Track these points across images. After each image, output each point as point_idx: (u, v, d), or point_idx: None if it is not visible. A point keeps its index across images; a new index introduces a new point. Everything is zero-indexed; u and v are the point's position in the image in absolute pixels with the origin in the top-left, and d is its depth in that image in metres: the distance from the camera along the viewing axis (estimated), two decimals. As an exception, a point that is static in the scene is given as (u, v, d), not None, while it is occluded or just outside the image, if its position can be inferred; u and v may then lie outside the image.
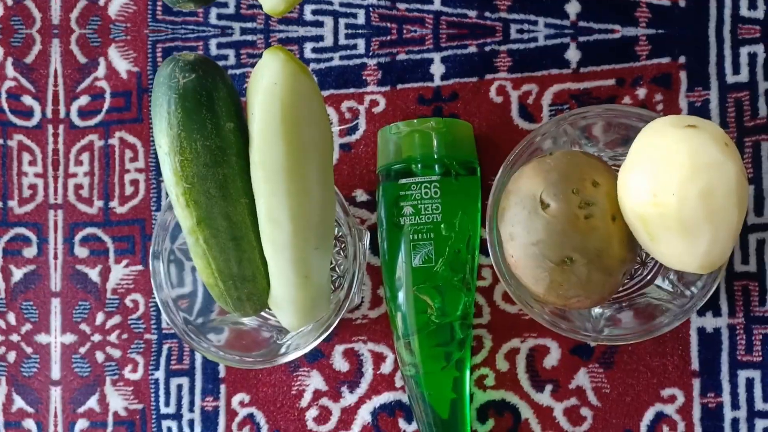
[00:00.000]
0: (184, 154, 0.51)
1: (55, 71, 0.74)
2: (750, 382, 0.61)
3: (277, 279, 0.56)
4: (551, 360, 0.64)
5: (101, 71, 0.73)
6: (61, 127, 0.73)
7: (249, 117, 0.52)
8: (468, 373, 0.64)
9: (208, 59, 0.53)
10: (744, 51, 0.63)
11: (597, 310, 0.61)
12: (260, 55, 0.69)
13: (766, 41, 0.63)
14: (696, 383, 0.62)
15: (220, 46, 0.71)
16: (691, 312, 0.57)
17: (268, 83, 0.50)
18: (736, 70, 0.63)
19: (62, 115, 0.73)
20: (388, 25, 0.68)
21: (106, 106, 0.73)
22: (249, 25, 0.71)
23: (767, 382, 0.61)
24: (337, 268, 0.66)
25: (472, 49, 0.67)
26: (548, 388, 0.64)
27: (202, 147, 0.51)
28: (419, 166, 0.62)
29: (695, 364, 0.62)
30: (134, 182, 0.72)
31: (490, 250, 0.58)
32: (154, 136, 0.54)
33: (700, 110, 0.63)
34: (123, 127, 0.72)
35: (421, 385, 0.62)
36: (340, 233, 0.65)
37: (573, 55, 0.66)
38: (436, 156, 0.62)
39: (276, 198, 0.52)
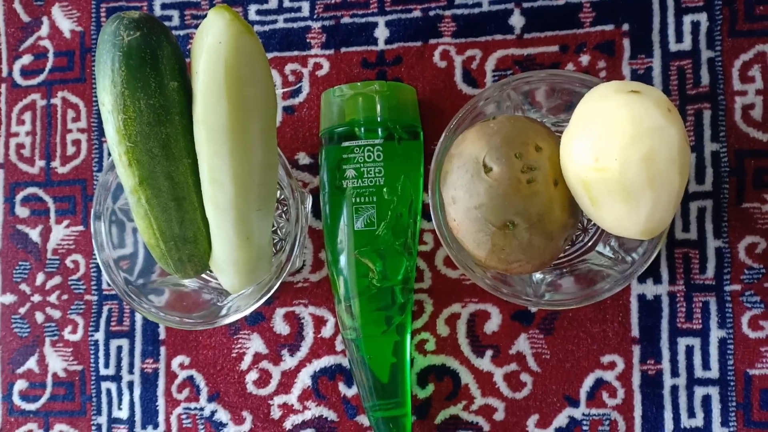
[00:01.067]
0: (128, 113, 0.42)
1: (-2, 30, 0.61)
2: (690, 350, 0.50)
3: (219, 240, 0.46)
4: (492, 325, 0.53)
5: (44, 30, 0.59)
6: (2, 86, 0.59)
7: (193, 75, 0.42)
8: (408, 337, 0.52)
9: (153, 17, 0.42)
10: (687, 19, 0.51)
11: (538, 276, 0.50)
12: (205, 16, 0.57)
13: (710, 10, 0.51)
14: (636, 350, 0.51)
15: (164, 6, 0.57)
16: (631, 278, 0.46)
17: (212, 42, 0.40)
18: (680, 38, 0.52)
19: (4, 74, 0.59)
20: (335, -10, 0.57)
21: (49, 65, 0.59)
22: (194, -14, 0.58)
23: (707, 350, 0.50)
24: (278, 231, 0.54)
25: (417, 13, 0.54)
26: (488, 353, 0.52)
27: (145, 105, 0.42)
28: (362, 129, 0.51)
29: (635, 331, 0.51)
30: (76, 142, 0.58)
31: (432, 214, 0.47)
32: (97, 94, 0.43)
33: (642, 78, 0.51)
34: (66, 87, 0.58)
35: (362, 348, 0.51)
36: (283, 196, 0.54)
37: (517, 21, 0.53)
38: (379, 119, 0.51)
39: (218, 158, 0.43)
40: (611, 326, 0.51)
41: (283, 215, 0.54)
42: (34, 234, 0.58)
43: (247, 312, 0.50)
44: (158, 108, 0.42)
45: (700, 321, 0.50)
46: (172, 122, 0.43)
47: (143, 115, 0.42)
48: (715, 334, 0.50)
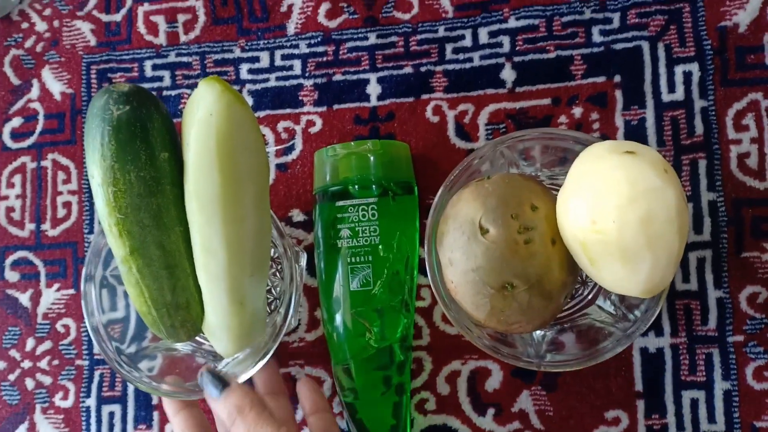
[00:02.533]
0: (118, 185, 0.42)
1: (-12, 93, 0.60)
2: (695, 403, 0.49)
3: (212, 306, 0.45)
4: (493, 382, 0.51)
5: (35, 93, 0.58)
6: (-8, 149, 0.60)
7: (184, 146, 0.42)
8: (408, 397, 0.51)
9: (142, 89, 0.42)
10: (679, 70, 0.52)
11: (539, 333, 0.49)
12: (196, 76, 0.57)
13: (701, 60, 0.51)
14: (640, 405, 0.50)
15: (155, 67, 0.57)
16: (634, 337, 0.45)
17: (203, 114, 0.40)
18: (672, 89, 0.52)
19: (-6, 137, 0.60)
20: (325, 47, 0.57)
21: (39, 127, 0.58)
22: (184, 47, 0.58)
23: (712, 403, 0.49)
24: (273, 290, 0.53)
25: (408, 69, 0.54)
26: (491, 411, 0.51)
27: (135, 178, 0.42)
28: (356, 187, 0.50)
29: (639, 385, 0.50)
30: (67, 204, 0.57)
31: (428, 273, 0.46)
32: (87, 166, 0.42)
33: (636, 129, 0.51)
34: (56, 149, 0.58)
35: (360, 411, 0.50)
36: (276, 254, 0.54)
37: (508, 74, 0.53)
38: (373, 178, 0.50)
39: (210, 227, 0.42)
40: (614, 381, 0.50)
41: (278, 274, 0.53)
42: (24, 298, 0.57)
43: (245, 378, 0.48)
44: (149, 180, 0.42)
45: (704, 373, 0.49)
46: (163, 192, 0.42)
47: (133, 187, 0.41)
48: (720, 386, 0.49)
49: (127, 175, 0.41)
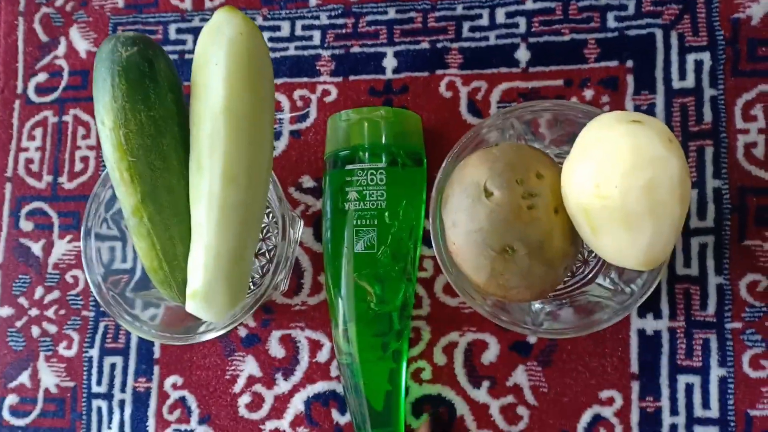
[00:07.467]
0: (129, 126, 0.43)
1: (17, 47, 0.62)
2: (689, 388, 0.48)
3: (216, 253, 0.44)
4: (489, 356, 0.51)
5: (61, 50, 0.59)
6: (17, 103, 0.59)
7: (206, 71, 0.43)
8: (404, 365, 0.50)
9: (145, 36, 0.44)
10: (690, 58, 0.52)
11: (537, 305, 0.49)
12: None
13: (713, 49, 0.51)
14: (635, 386, 0.49)
15: (179, 31, 0.58)
16: (630, 309, 0.44)
17: (233, 33, 0.42)
18: (683, 76, 0.52)
19: (19, 90, 0.59)
20: (345, 20, 0.58)
21: (63, 83, 0.59)
22: (208, 13, 0.59)
23: (707, 389, 0.48)
24: (267, 254, 0.54)
25: (425, 45, 0.55)
26: (485, 384, 0.51)
27: (146, 117, 0.43)
28: (366, 153, 0.50)
29: (634, 367, 0.49)
30: (84, 159, 0.58)
31: (432, 239, 0.46)
32: (96, 114, 0.43)
33: (645, 113, 0.50)
34: (78, 105, 0.58)
35: (357, 374, 0.49)
36: (274, 218, 0.54)
37: (523, 55, 0.54)
38: (383, 144, 0.50)
39: (238, 151, 0.43)
40: (610, 361, 0.50)
41: (273, 237, 0.53)
42: (37, 248, 0.58)
43: (223, 331, 0.47)
44: (158, 119, 0.43)
45: (701, 358, 0.49)
46: (171, 133, 0.44)
47: (144, 127, 0.43)
48: (716, 372, 0.49)
49: (138, 114, 0.42)
